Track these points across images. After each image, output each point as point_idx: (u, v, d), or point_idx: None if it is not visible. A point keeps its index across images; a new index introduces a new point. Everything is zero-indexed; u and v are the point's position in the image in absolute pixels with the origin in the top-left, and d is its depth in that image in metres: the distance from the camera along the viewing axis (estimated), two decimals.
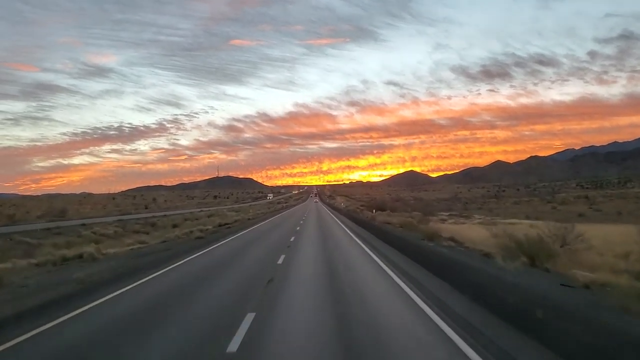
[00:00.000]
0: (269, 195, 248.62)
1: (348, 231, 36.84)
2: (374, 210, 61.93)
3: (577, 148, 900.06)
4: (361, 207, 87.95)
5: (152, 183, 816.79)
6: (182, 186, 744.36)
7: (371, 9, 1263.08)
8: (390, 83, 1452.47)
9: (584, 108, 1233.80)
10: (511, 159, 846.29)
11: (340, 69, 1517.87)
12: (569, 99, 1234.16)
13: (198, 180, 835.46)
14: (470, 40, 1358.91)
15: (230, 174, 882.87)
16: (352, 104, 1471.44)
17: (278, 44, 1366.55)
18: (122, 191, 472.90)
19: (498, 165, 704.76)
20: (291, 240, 28.60)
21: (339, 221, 51.69)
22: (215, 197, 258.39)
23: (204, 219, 57.87)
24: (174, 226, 43.07)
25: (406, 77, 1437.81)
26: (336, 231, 37.54)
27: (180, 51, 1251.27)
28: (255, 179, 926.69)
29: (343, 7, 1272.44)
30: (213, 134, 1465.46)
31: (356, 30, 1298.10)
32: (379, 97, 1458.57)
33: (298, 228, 40.09)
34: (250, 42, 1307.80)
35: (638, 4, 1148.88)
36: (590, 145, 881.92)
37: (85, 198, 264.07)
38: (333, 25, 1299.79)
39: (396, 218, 40.69)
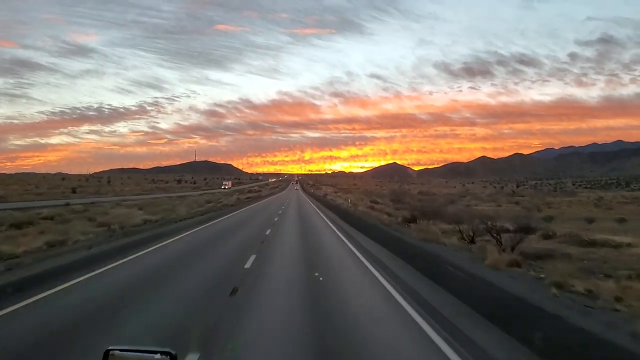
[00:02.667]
0: (225, 183, 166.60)
1: None
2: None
3: (556, 148, 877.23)
4: (372, 202, 49.42)
5: (131, 166, 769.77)
6: (158, 170, 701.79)
7: (357, 1, 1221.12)
8: (373, 76, 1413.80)
9: (563, 109, 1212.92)
10: (490, 156, 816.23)
11: (325, 59, 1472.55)
12: (548, 99, 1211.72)
13: (175, 164, 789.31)
14: (454, 38, 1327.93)
15: (210, 159, 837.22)
16: (336, 94, 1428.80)
17: (263, 31, 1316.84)
18: (96, 173, 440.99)
19: (483, 161, 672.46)
20: None
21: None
22: (178, 181, 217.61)
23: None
24: None
25: (389, 71, 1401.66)
26: None
27: (164, 34, 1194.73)
28: (235, 165, 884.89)
29: None
30: (194, 119, 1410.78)
31: (342, 22, 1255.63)
32: (362, 90, 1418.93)
33: None
34: (235, 27, 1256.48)
35: (618, 9, 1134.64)
36: (570, 145, 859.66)
37: (44, 178, 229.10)
38: (319, 15, 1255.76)
39: None
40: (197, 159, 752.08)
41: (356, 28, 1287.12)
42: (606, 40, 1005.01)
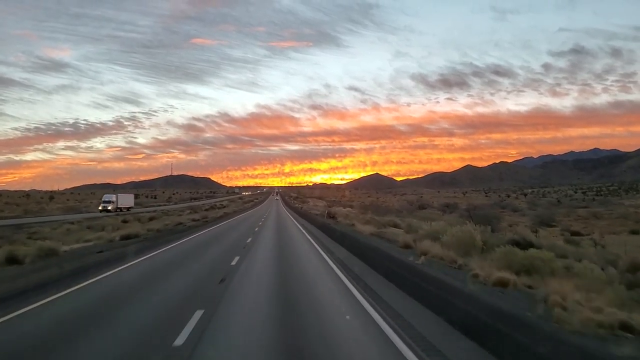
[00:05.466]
0: (108, 198, 76.82)
1: None
2: None
3: (535, 157, 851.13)
4: None
5: (107, 181, 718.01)
6: (134, 185, 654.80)
7: (333, 14, 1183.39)
8: (351, 88, 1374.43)
9: (539, 118, 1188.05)
10: (471, 165, 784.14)
11: (302, 72, 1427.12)
12: (524, 109, 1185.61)
13: (152, 178, 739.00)
14: (430, 49, 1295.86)
15: (189, 173, 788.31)
16: (315, 107, 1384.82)
17: (240, 44, 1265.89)
18: (66, 189, 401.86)
19: (468, 170, 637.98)
20: None
21: None
22: (136, 196, 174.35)
23: None
24: None
25: (367, 83, 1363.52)
26: None
27: (140, 48, 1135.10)
28: (213, 178, 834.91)
29: (305, 11, 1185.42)
30: (172, 133, 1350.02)
31: (318, 35, 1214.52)
32: (340, 102, 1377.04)
33: None
34: (212, 41, 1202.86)
35: (589, 20, 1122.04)
36: (548, 154, 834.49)
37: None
38: (296, 28, 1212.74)
39: None
40: (176, 174, 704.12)
41: (333, 41, 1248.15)
42: (578, 51, 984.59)
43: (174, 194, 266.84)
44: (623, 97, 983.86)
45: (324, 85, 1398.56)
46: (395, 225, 28.06)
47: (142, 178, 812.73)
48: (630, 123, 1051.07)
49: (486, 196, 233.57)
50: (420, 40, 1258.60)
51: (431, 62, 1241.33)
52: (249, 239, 25.92)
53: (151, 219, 49.02)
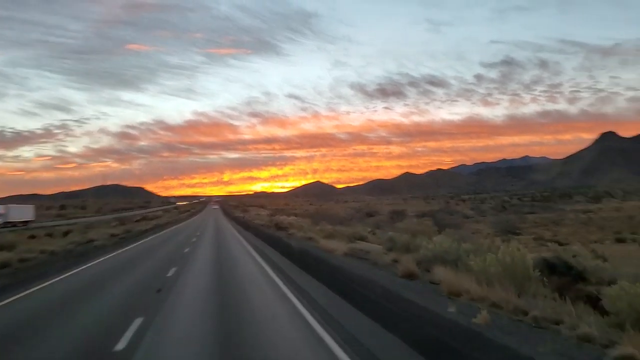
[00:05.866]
0: None
1: None
2: None
3: (469, 164, 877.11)
4: None
5: (36, 192, 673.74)
6: (64, 195, 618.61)
7: (272, 22, 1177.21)
8: (291, 96, 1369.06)
9: (471, 127, 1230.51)
10: (409, 172, 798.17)
11: (242, 79, 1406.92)
12: (457, 118, 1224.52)
13: (83, 188, 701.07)
14: (368, 59, 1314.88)
15: (123, 183, 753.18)
16: (254, 115, 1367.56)
17: (177, 51, 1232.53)
18: None
19: (406, 177, 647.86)
20: None
21: None
22: (62, 207, 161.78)
23: None
24: None
25: (307, 92, 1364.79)
26: None
27: (71, 54, 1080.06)
28: (148, 188, 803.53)
29: (244, 18, 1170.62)
30: (105, 141, 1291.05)
31: (257, 43, 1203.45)
32: (280, 110, 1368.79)
33: None
34: (148, 47, 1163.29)
35: (518, 33, 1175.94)
36: (482, 162, 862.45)
37: None
38: (234, 35, 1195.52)
39: None
40: (109, 183, 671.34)
41: (272, 49, 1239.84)
42: (508, 62, 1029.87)
43: (105, 205, 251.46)
44: (550, 106, 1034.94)
45: (263, 93, 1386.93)
46: (362, 239, 22.96)
47: (73, 188, 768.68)
48: (557, 131, 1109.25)
49: (426, 203, 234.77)
50: (359, 50, 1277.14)
51: (369, 72, 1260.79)
52: (173, 270, 18.21)
53: (66, 233, 41.73)
